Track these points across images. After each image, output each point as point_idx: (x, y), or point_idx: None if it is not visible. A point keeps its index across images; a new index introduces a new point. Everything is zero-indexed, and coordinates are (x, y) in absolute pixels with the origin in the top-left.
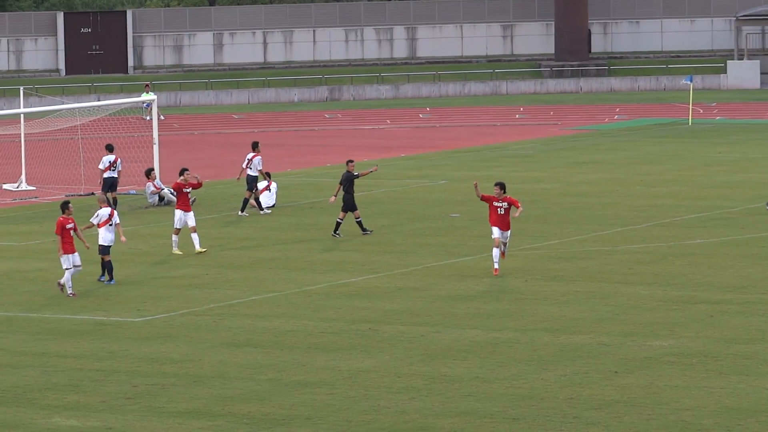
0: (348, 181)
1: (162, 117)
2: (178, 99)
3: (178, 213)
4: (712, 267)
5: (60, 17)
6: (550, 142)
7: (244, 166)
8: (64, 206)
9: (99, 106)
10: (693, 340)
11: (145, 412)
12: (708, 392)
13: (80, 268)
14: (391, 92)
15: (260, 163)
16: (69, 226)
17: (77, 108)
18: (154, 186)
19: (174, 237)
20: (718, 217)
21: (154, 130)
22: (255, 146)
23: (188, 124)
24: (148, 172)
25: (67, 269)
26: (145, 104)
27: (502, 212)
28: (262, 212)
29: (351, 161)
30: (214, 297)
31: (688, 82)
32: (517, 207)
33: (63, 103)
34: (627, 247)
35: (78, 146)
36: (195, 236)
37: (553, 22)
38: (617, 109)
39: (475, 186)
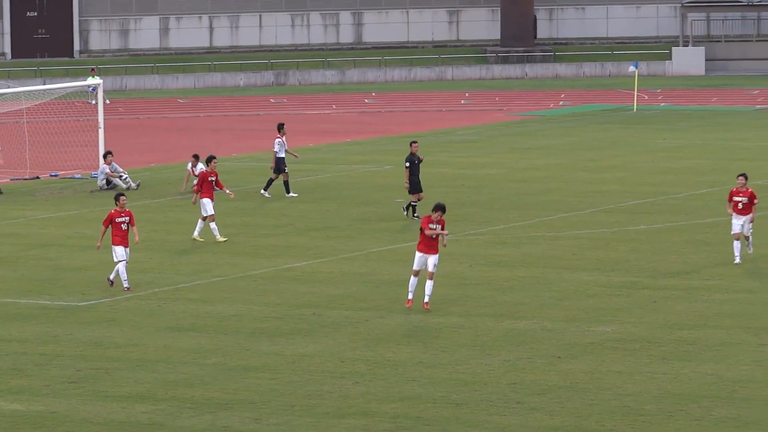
0: (413, 164)
1: (107, 101)
2: (124, 83)
3: (206, 201)
4: (656, 253)
5: (6, 1)
6: (495, 128)
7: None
8: (117, 198)
9: (44, 90)
10: (636, 325)
11: (89, 396)
12: (650, 378)
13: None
14: (336, 77)
15: (277, 145)
16: (120, 219)
17: (22, 92)
18: (109, 171)
19: (211, 224)
20: (662, 203)
21: (99, 114)
22: (280, 128)
23: (134, 108)
24: (106, 155)
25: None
26: (90, 88)
27: (434, 236)
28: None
29: (414, 142)
30: (158, 281)
31: (634, 69)
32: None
33: (8, 87)
34: (571, 233)
35: (23, 130)
36: (214, 225)
37: (498, 8)
38: (562, 95)
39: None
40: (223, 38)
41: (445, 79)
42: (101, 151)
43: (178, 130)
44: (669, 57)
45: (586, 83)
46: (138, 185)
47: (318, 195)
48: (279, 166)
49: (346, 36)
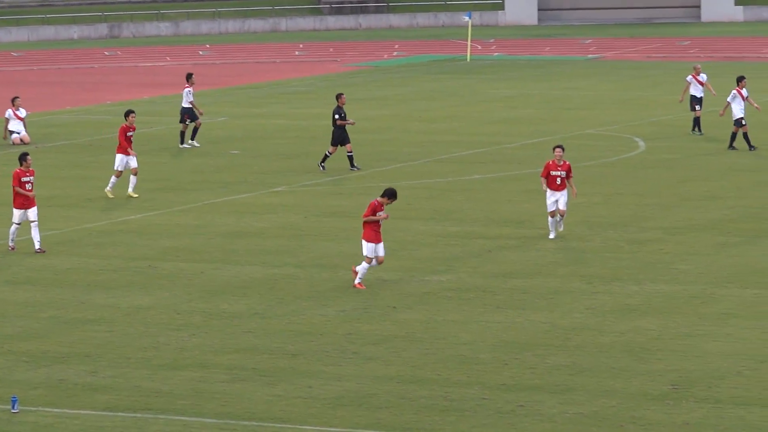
0: (341, 116)
1: None
2: None
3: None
4: (490, 202)
5: None
6: (329, 79)
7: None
8: (22, 158)
9: None
10: (471, 275)
11: None
12: (485, 326)
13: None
14: (170, 29)
15: (190, 95)
16: (25, 179)
17: None
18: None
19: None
20: (496, 153)
21: None
22: (189, 77)
23: None
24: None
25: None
26: None
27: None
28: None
29: (342, 94)
30: None
31: (467, 19)
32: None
33: None
34: (406, 183)
35: None
36: (133, 179)
37: None
38: (396, 46)
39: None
40: None
41: (280, 31)
42: None
43: (12, 83)
44: (502, 7)
45: (419, 34)
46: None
47: (152, 147)
48: (183, 116)
49: None
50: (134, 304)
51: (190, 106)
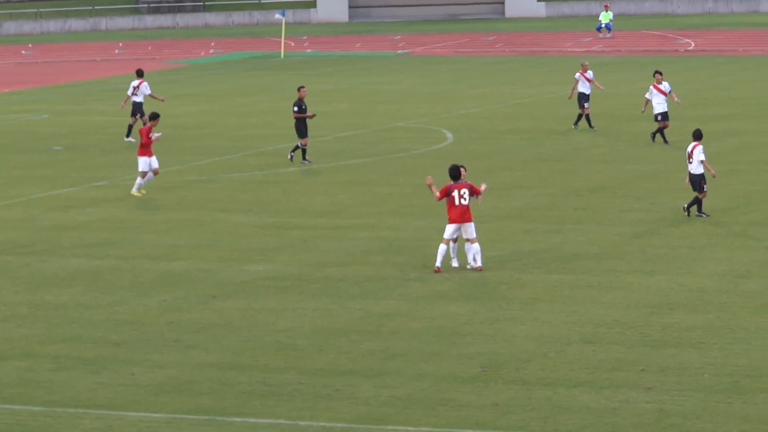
0: (301, 109)
1: None
2: None
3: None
4: (305, 194)
5: None
6: (148, 77)
7: (129, 93)
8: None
9: None
10: (287, 264)
11: None
12: (302, 314)
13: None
14: None
15: (148, 88)
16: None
17: None
18: None
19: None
20: (310, 146)
21: None
22: (140, 73)
23: None
24: None
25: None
26: None
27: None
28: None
29: (302, 87)
30: None
31: (280, 17)
32: None
33: None
34: (225, 176)
35: None
36: (151, 176)
37: None
38: (212, 44)
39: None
40: None
41: (100, 30)
42: None
43: None
44: (314, 5)
45: (235, 31)
46: None
47: None
48: (135, 109)
49: None
50: None
51: (142, 101)
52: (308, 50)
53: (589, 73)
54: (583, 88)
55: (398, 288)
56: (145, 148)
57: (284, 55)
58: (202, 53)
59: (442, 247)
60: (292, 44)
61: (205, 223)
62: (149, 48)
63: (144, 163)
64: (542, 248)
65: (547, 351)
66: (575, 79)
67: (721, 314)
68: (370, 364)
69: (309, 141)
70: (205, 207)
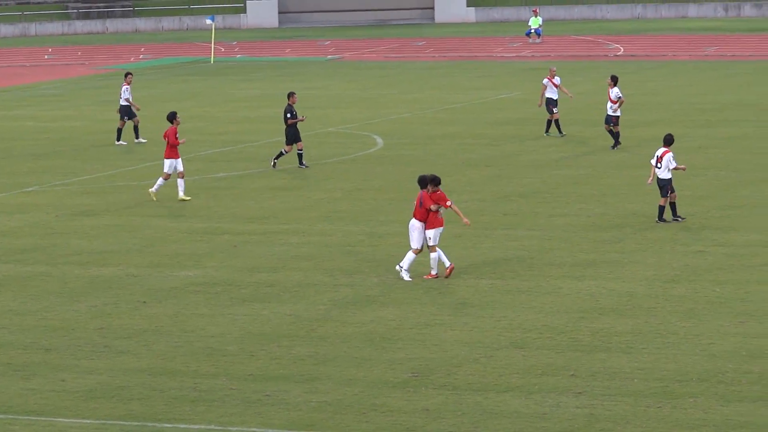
0: (293, 115)
1: None
2: None
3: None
4: (235, 199)
5: None
6: (78, 82)
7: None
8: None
9: None
10: (218, 269)
11: None
12: (232, 319)
13: None
14: None
15: (126, 92)
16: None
17: None
18: None
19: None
20: (240, 151)
21: None
22: (126, 75)
23: None
24: None
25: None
26: None
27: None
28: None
29: (293, 93)
30: None
31: (210, 22)
32: None
33: None
34: (154, 182)
35: None
36: (181, 182)
37: None
38: (142, 49)
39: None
40: None
41: (29, 35)
42: None
43: None
44: (244, 10)
45: (165, 37)
46: None
47: None
48: (124, 112)
49: None
50: None
51: (128, 103)
52: (238, 56)
53: (557, 79)
54: (551, 93)
55: (328, 293)
56: (173, 150)
57: (214, 61)
58: (132, 58)
59: (433, 255)
60: (222, 49)
61: (135, 228)
62: (79, 53)
63: (169, 165)
64: (472, 253)
65: (477, 356)
66: (543, 85)
67: (650, 319)
68: (300, 369)
69: (291, 148)
70: (135, 212)
